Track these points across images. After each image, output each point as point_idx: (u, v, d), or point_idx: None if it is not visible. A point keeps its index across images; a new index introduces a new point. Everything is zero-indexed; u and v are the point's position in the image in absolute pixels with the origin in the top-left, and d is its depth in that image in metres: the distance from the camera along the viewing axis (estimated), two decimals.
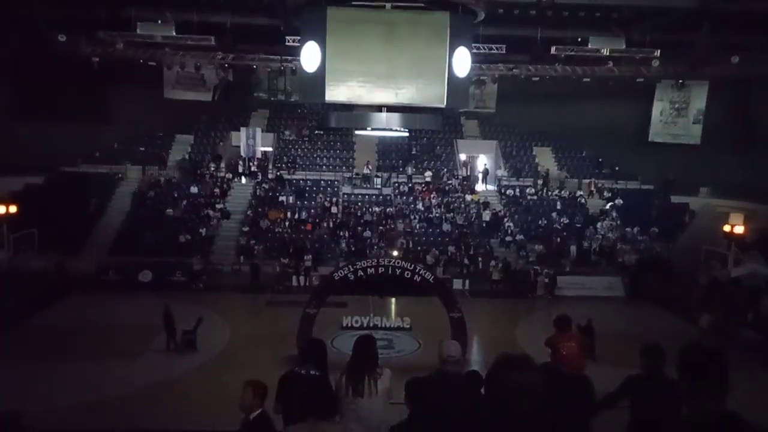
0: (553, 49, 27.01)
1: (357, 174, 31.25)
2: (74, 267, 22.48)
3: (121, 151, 30.99)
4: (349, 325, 18.09)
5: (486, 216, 28.83)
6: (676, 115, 31.25)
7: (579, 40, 27.04)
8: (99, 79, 28.24)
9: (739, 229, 21.55)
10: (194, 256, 24.38)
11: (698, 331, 20.22)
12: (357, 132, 27.36)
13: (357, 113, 18.67)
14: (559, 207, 29.47)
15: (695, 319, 20.42)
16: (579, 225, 28.25)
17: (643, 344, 5.56)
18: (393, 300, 21.37)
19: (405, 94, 17.71)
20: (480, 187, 31.32)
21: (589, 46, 26.91)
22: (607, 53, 26.98)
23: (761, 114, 28.63)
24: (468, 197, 30.22)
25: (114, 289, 22.41)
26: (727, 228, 21.75)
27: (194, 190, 29.09)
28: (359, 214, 28.44)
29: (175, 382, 14.45)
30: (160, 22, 26.65)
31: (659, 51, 26.87)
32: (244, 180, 30.48)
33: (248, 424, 4.91)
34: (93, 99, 29.36)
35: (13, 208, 22.63)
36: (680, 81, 30.23)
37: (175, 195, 28.68)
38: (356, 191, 30.46)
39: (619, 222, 28.35)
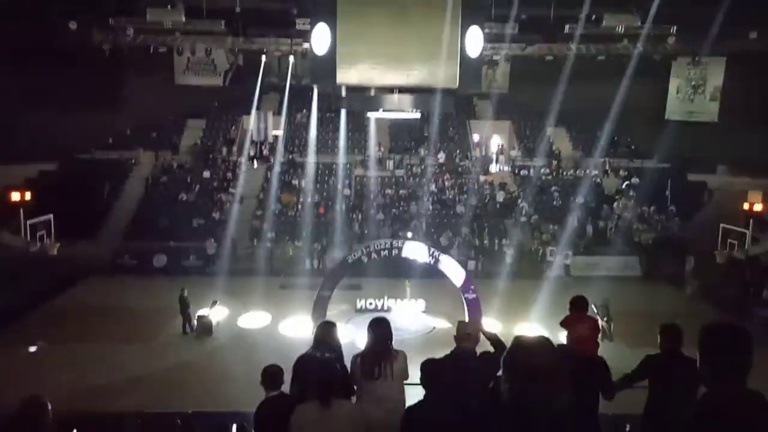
0: (566, 28, 26.66)
1: (369, 156, 31.14)
2: (90, 252, 22.69)
3: (134, 138, 31.12)
4: (364, 307, 18.19)
5: (500, 197, 28.66)
6: (692, 93, 30.75)
7: (593, 18, 26.63)
8: (110, 66, 28.28)
9: (758, 207, 21.26)
10: (208, 239, 24.50)
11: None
12: (369, 114, 27.22)
13: (368, 95, 18.52)
14: (573, 187, 29.22)
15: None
16: (594, 205, 28.00)
17: (661, 323, 5.51)
18: (407, 282, 21.38)
19: (417, 75, 17.54)
20: (494, 168, 31.10)
21: (604, 24, 26.53)
22: (622, 31, 26.61)
23: None
24: (481, 178, 30.05)
25: (129, 274, 22.64)
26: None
27: (206, 174, 29.18)
28: (372, 196, 28.38)
29: (191, 364, 14.63)
30: (169, 7, 26.63)
31: (675, 27, 26.42)
32: (256, 164, 30.51)
33: (265, 405, 4.91)
34: (105, 86, 29.38)
35: (28, 195, 22.81)
36: (696, 58, 29.70)
37: (188, 180, 28.79)
38: (369, 173, 30.38)
39: (635, 201, 28.05)
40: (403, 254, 15.45)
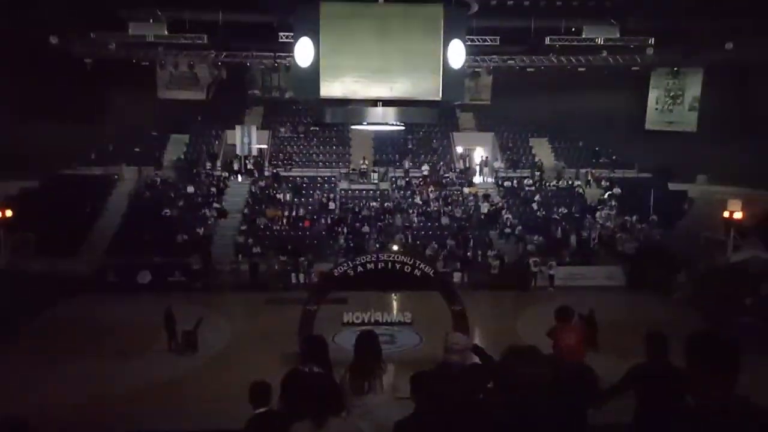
0: (547, 40, 27.01)
1: (354, 169, 31.18)
2: (74, 269, 22.41)
3: (117, 152, 30.86)
4: (350, 321, 18.05)
5: (484, 208, 28.82)
6: (671, 103, 31.21)
7: (573, 29, 27.02)
8: (93, 80, 28.15)
9: (738, 215, 21.55)
10: (192, 255, 24.33)
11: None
12: (353, 127, 27.31)
13: (352, 108, 18.60)
14: (556, 198, 29.46)
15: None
16: (577, 215, 28.24)
17: (646, 332, 5.55)
18: (393, 295, 21.34)
19: (400, 87, 17.67)
20: (478, 179, 31.28)
21: (584, 36, 26.91)
22: (602, 42, 27.01)
23: (756, 99, 28.60)
24: (466, 190, 30.19)
25: (114, 291, 22.36)
26: (726, 214, 21.75)
27: (191, 189, 29.01)
28: (357, 209, 28.39)
29: (177, 382, 14.44)
30: (151, 21, 26.58)
31: (653, 39, 26.87)
32: (240, 178, 30.41)
33: (253, 422, 4.87)
34: (87, 100, 29.25)
35: (9, 212, 22.57)
36: (675, 68, 30.21)
37: (172, 195, 28.60)
38: (353, 187, 30.41)
39: (617, 211, 28.32)
40: (389, 267, 15.42)
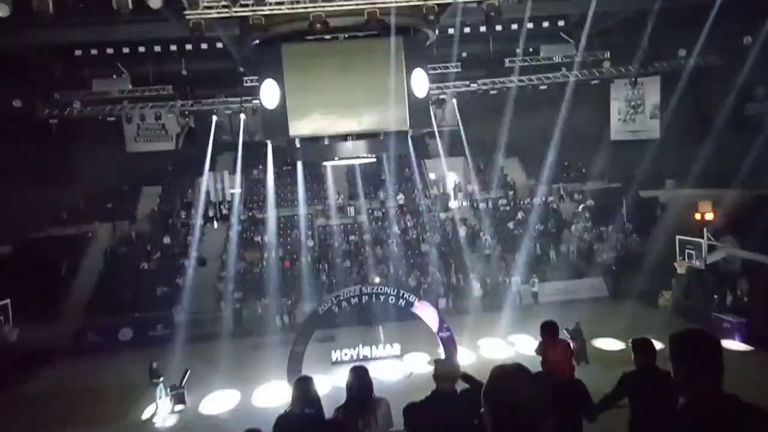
0: (506, 62, 27.60)
1: (329, 205, 31.19)
2: (52, 333, 21.91)
3: (89, 210, 30.50)
4: (339, 359, 17.92)
5: (462, 232, 28.95)
6: (633, 113, 31.91)
7: (531, 50, 27.66)
8: (59, 139, 27.94)
9: (710, 216, 21.93)
10: (174, 306, 23.96)
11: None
12: (325, 163, 27.39)
13: (323, 145, 18.64)
14: (532, 215, 29.73)
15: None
16: (554, 230, 28.50)
17: (633, 339, 5.61)
18: (380, 327, 21.21)
19: (368, 120, 17.78)
20: (453, 204, 31.48)
21: (542, 55, 27.56)
22: (560, 60, 27.67)
23: (711, 101, 29.40)
24: (442, 215, 30.35)
25: (95, 351, 21.84)
26: (697, 216, 22.13)
27: (167, 240, 28.71)
28: (336, 244, 28.32)
29: None
30: (114, 77, 26.58)
31: (608, 53, 27.61)
32: (216, 224, 30.19)
33: None
34: (54, 160, 28.98)
35: None
36: (633, 79, 30.99)
37: (148, 248, 28.27)
38: (331, 222, 30.38)
39: (592, 223, 28.67)
40: (373, 300, 15.38)
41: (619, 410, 5.42)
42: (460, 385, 5.41)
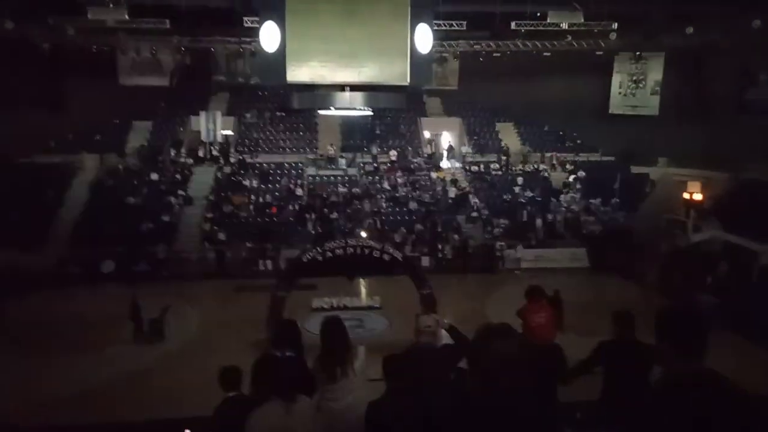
0: (512, 25, 27.16)
1: (321, 155, 31.00)
2: (34, 262, 21.84)
3: (77, 141, 30.01)
4: (320, 306, 18.10)
5: (452, 193, 28.98)
6: (634, 87, 31.74)
7: (538, 15, 27.21)
8: (51, 67, 27.30)
9: (698, 197, 22.09)
10: (158, 244, 23.94)
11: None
12: (320, 112, 27.10)
13: (319, 93, 18.44)
14: (522, 181, 29.78)
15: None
16: (539, 199, 28.57)
17: (614, 311, 5.67)
18: (362, 280, 21.38)
19: (367, 72, 17.57)
20: (445, 164, 31.39)
21: (548, 21, 27.14)
22: (566, 27, 27.28)
23: (713, 84, 29.29)
24: (433, 175, 30.30)
25: (77, 282, 21.89)
26: (686, 196, 22.28)
27: (155, 177, 28.46)
28: (325, 195, 28.27)
29: (145, 372, 14.27)
30: (111, 6, 25.84)
31: (616, 24, 27.23)
32: (205, 165, 29.94)
33: (224, 405, 4.84)
34: (46, 88, 28.38)
35: None
36: (638, 53, 30.70)
37: (135, 183, 28.03)
38: (321, 173, 30.24)
39: (581, 194, 28.77)
40: (358, 253, 15.43)
41: (594, 377, 5.52)
42: (440, 341, 5.47)
